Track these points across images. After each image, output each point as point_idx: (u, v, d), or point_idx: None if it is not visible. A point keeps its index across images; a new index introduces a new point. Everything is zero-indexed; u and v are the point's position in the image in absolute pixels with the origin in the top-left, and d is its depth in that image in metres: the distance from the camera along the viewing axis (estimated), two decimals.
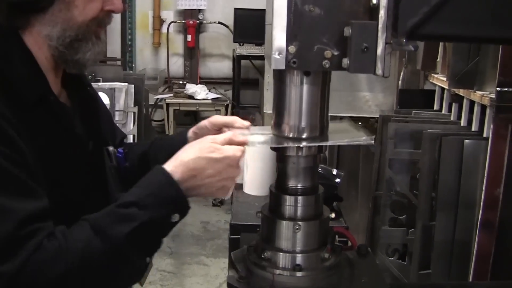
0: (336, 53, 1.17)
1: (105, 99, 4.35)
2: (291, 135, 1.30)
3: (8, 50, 1.38)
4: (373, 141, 1.30)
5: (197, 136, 1.59)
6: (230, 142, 1.34)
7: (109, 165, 1.60)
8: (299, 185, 1.33)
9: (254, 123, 3.66)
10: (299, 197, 1.32)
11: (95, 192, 1.34)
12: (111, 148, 1.62)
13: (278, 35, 1.16)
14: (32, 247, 1.19)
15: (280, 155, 1.33)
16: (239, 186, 2.94)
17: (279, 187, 1.36)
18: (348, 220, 2.60)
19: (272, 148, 1.35)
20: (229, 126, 1.52)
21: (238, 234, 2.55)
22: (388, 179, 3.13)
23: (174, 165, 1.31)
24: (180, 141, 1.59)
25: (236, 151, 1.33)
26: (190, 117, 7.22)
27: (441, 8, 1.09)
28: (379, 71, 1.12)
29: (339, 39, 1.16)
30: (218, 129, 1.54)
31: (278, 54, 1.17)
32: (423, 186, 2.87)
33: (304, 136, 1.30)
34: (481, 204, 2.57)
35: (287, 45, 1.17)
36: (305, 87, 1.27)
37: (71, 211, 1.30)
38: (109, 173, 1.59)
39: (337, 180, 2.53)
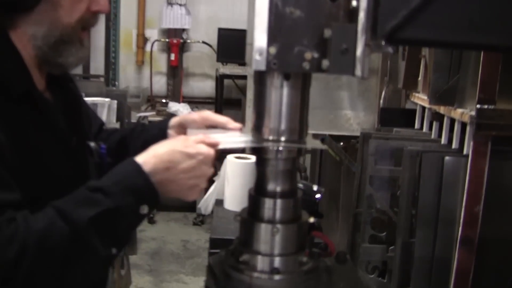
0: (316, 55, 1.17)
1: None
2: (270, 138, 1.29)
3: None
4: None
5: (181, 126, 1.59)
6: (202, 143, 1.35)
7: (91, 161, 1.59)
8: (278, 188, 1.32)
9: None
10: (278, 200, 1.32)
11: (77, 188, 1.33)
12: (92, 144, 1.61)
13: (259, 36, 1.17)
14: None
15: (259, 158, 1.33)
16: (220, 202, 2.93)
17: (257, 190, 1.36)
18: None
19: (251, 151, 1.35)
20: (220, 126, 1.51)
21: (217, 248, 2.54)
22: (368, 196, 3.13)
23: (146, 157, 1.32)
24: (159, 129, 1.61)
25: (210, 150, 1.34)
26: None
27: (419, 13, 1.09)
28: (358, 72, 1.13)
29: (319, 42, 1.17)
30: (208, 126, 1.53)
31: (259, 55, 1.17)
32: (403, 203, 2.88)
33: (283, 139, 1.29)
34: (461, 221, 2.58)
35: (268, 46, 1.17)
36: (285, 90, 1.27)
37: None
38: (92, 169, 1.58)
39: (318, 196, 2.52)
